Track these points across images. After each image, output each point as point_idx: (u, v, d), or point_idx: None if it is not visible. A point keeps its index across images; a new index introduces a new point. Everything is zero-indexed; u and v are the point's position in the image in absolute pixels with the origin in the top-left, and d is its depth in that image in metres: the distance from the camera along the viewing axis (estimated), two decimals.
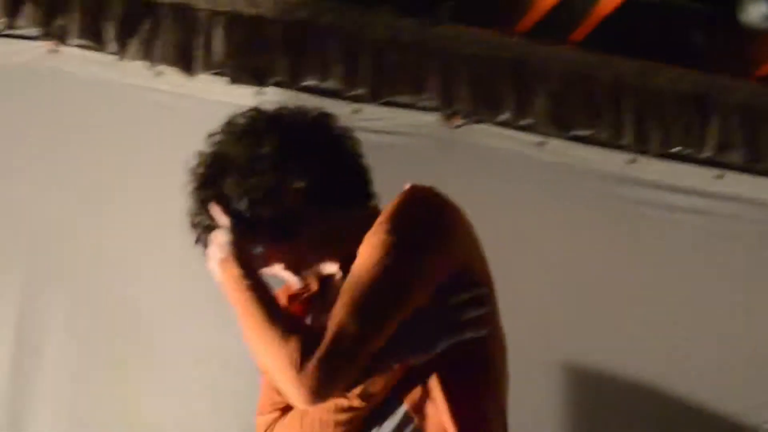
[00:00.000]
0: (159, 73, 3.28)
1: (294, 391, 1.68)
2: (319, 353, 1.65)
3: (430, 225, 1.79)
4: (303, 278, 1.96)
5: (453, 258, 1.80)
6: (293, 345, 1.66)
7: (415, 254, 1.75)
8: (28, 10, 3.01)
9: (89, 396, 3.19)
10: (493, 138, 3.62)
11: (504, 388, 1.90)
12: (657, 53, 3.66)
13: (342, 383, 1.71)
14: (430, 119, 3.55)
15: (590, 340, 3.65)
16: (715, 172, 3.82)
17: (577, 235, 3.71)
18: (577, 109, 3.53)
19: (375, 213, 1.86)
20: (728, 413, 3.74)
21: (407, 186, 1.86)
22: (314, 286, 2.03)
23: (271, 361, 1.72)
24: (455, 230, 1.83)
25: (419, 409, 1.77)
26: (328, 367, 1.66)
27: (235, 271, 1.81)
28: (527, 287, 3.56)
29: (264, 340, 1.72)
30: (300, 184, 1.88)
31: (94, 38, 3.11)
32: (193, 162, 1.98)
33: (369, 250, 1.75)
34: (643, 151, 3.68)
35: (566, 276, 3.65)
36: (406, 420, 1.78)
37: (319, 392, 1.68)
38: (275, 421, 1.95)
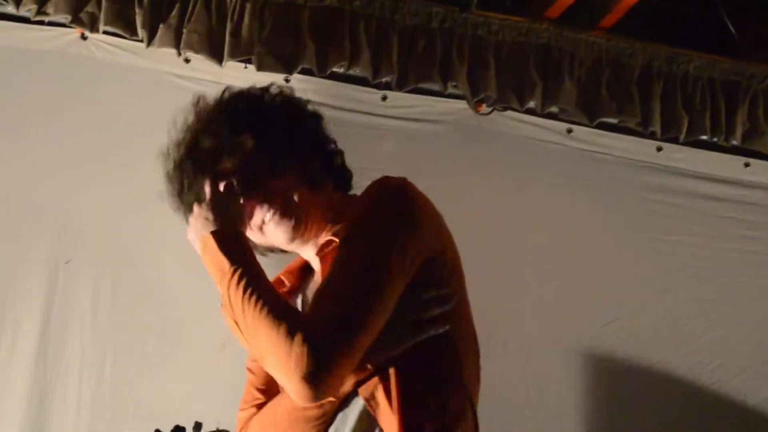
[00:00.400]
0: (187, 60, 3.29)
1: (299, 392, 1.66)
2: (321, 357, 1.64)
3: (404, 218, 1.80)
4: (296, 233, 1.93)
5: (424, 247, 1.81)
6: (299, 348, 1.63)
7: (393, 248, 1.75)
8: None
9: (112, 386, 3.22)
10: (520, 125, 3.63)
11: (471, 376, 1.89)
12: (686, 40, 3.64)
13: (341, 381, 1.71)
14: (457, 106, 3.55)
15: (614, 327, 3.65)
16: (743, 160, 3.82)
17: (604, 222, 3.71)
18: (605, 96, 3.50)
19: (351, 200, 1.96)
20: (748, 404, 3.74)
21: (379, 178, 1.87)
22: (292, 281, 2.05)
23: (272, 357, 1.68)
24: (426, 221, 1.84)
25: (373, 400, 1.78)
26: (330, 371, 1.65)
27: (227, 244, 1.79)
28: (553, 273, 3.58)
29: (263, 331, 1.68)
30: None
31: (123, 25, 3.10)
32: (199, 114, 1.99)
33: (349, 247, 1.77)
34: (671, 139, 3.67)
35: (592, 263, 3.66)
36: (366, 412, 1.79)
37: (322, 393, 1.68)
38: (252, 417, 1.97)
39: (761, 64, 3.68)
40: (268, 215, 1.91)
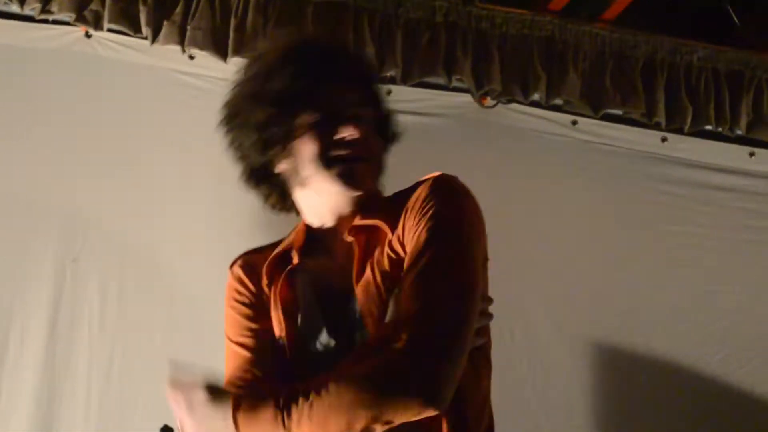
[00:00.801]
0: (192, 57, 3.30)
1: (430, 411, 1.61)
2: (436, 387, 1.60)
3: (472, 216, 1.79)
4: (360, 184, 1.83)
5: (483, 255, 1.80)
6: (413, 388, 1.58)
7: (471, 243, 1.74)
8: None
9: (120, 383, 3.21)
10: (525, 118, 3.63)
11: (489, 377, 1.86)
12: (689, 31, 3.64)
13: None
14: (462, 100, 3.55)
15: (620, 319, 3.65)
16: (748, 149, 3.82)
17: (609, 213, 3.70)
18: (609, 87, 3.51)
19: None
20: (755, 393, 3.74)
21: (436, 174, 1.84)
22: (295, 259, 1.93)
23: (395, 413, 1.60)
24: (483, 220, 1.82)
25: None
26: (448, 390, 1.61)
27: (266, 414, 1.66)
28: (559, 265, 3.58)
29: (367, 404, 1.59)
30: None
31: (128, 23, 3.11)
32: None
33: (430, 242, 1.70)
34: (676, 130, 3.67)
35: (598, 254, 3.65)
36: None
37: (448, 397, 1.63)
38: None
39: (765, 54, 3.68)
40: (348, 150, 1.81)
